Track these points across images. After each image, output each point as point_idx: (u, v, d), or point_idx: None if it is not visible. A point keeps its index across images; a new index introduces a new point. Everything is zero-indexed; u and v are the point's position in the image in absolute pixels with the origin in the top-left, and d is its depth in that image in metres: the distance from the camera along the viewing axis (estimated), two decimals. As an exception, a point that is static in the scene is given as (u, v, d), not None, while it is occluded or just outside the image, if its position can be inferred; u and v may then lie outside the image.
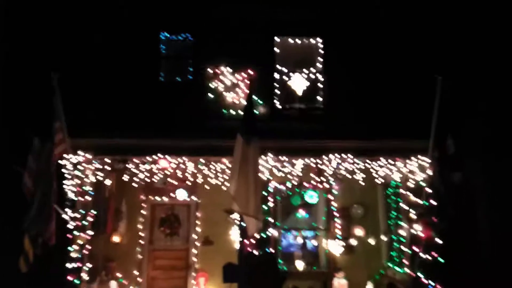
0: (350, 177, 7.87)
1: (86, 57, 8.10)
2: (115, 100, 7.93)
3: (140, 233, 8.50)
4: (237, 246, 7.32)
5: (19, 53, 7.96)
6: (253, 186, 5.70)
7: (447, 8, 8.49)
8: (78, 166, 7.08)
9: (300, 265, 8.47)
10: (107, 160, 7.39)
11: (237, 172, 5.75)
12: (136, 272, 8.28)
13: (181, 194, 8.57)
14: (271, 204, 7.80)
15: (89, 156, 7.05)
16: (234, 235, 7.97)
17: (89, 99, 7.76)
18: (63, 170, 6.75)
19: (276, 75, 8.77)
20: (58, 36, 8.07)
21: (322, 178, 8.29)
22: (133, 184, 7.85)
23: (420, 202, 7.03)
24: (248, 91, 6.42)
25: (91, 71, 8.03)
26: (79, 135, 6.81)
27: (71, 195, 6.85)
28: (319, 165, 7.84)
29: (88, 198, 7.19)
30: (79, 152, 6.99)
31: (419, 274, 6.86)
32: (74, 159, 6.84)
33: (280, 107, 8.65)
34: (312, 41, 8.97)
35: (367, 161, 7.66)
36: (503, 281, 7.24)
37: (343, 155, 7.33)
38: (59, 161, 6.57)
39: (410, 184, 7.43)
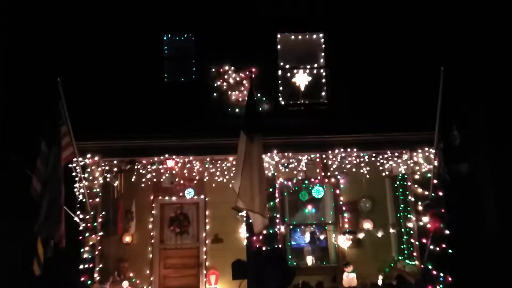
0: (355, 170, 7.88)
1: (91, 60, 8.20)
2: (121, 102, 8.02)
3: (150, 233, 8.63)
4: (245, 243, 7.39)
5: (26, 56, 8.11)
6: (258, 183, 5.74)
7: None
8: (87, 169, 7.22)
9: (309, 260, 8.49)
10: (114, 162, 7.54)
11: (241, 169, 5.79)
12: (148, 272, 8.42)
13: (189, 193, 8.66)
14: (278, 200, 7.84)
15: (96, 158, 7.18)
16: (243, 232, 8.04)
17: (95, 102, 7.86)
18: (72, 173, 6.87)
19: (279, 72, 8.77)
20: (64, 40, 8.19)
21: (328, 172, 8.33)
22: (142, 184, 8.00)
23: (427, 193, 6.98)
24: (249, 88, 6.43)
25: (96, 74, 8.13)
26: (86, 138, 6.93)
27: (80, 198, 6.96)
28: (324, 160, 7.88)
29: (97, 199, 7.30)
30: (87, 155, 7.13)
31: (429, 266, 6.83)
32: (82, 162, 6.95)
33: (283, 103, 8.65)
34: (314, 36, 8.93)
35: (373, 154, 7.65)
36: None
37: (348, 149, 7.32)
38: (68, 165, 6.69)
39: (417, 176, 7.37)
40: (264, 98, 8.48)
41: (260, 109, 8.26)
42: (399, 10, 8.55)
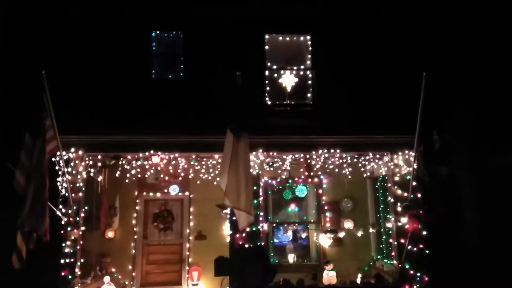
0: (338, 171, 8.04)
1: (78, 54, 8.16)
2: (107, 97, 8.02)
3: (134, 229, 8.62)
4: (229, 240, 7.46)
5: (13, 49, 8.01)
6: (244, 180, 5.81)
7: (430, 5, 8.64)
8: (70, 163, 7.15)
9: (291, 258, 8.62)
10: (99, 156, 7.50)
11: (227, 167, 5.85)
12: (130, 267, 8.41)
13: (174, 190, 8.67)
14: (262, 199, 7.93)
15: (80, 152, 7.13)
16: (227, 229, 8.11)
17: (81, 96, 7.84)
18: (55, 167, 6.81)
19: (267, 72, 8.86)
20: (51, 34, 8.13)
21: (311, 172, 8.48)
22: (126, 180, 7.98)
23: (406, 195, 7.19)
24: (236, 87, 6.51)
25: (83, 68, 8.09)
26: (71, 132, 6.87)
27: (63, 192, 6.88)
28: (308, 160, 8.02)
29: (80, 194, 7.24)
30: (71, 149, 7.07)
31: (406, 265, 7.03)
32: (65, 156, 6.89)
33: (270, 103, 8.76)
34: (302, 38, 9.07)
35: (355, 155, 7.82)
36: (489, 271, 7.45)
37: (331, 149, 7.47)
38: (52, 158, 6.63)
39: (397, 178, 7.58)
40: (251, 98, 8.55)
41: (247, 108, 8.32)
42: (383, 16, 8.77)
